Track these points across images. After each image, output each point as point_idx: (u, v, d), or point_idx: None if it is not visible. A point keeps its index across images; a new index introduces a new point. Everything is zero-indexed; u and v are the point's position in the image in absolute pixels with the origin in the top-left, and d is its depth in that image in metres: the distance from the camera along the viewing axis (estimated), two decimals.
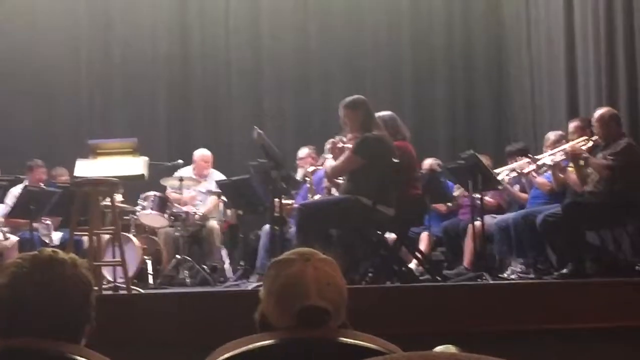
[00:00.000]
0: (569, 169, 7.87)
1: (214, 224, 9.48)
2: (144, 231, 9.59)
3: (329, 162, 7.23)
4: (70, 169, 7.77)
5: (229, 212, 9.79)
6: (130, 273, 7.60)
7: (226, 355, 2.20)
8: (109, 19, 11.44)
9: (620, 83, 8.30)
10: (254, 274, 8.46)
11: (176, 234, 9.41)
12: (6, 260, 5.23)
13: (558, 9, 9.69)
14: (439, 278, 7.46)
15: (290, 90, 11.60)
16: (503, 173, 8.44)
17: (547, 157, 7.94)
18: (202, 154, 10.00)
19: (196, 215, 9.47)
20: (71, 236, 6.99)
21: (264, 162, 7.62)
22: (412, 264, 8.10)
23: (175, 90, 11.46)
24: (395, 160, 7.00)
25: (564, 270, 7.20)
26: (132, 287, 7.07)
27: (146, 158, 7.27)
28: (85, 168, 7.11)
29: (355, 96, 7.28)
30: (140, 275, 8.86)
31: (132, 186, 9.05)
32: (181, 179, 9.27)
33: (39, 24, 11.21)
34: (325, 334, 2.25)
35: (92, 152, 7.27)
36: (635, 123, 8.04)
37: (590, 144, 7.60)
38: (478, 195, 8.02)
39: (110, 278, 7.78)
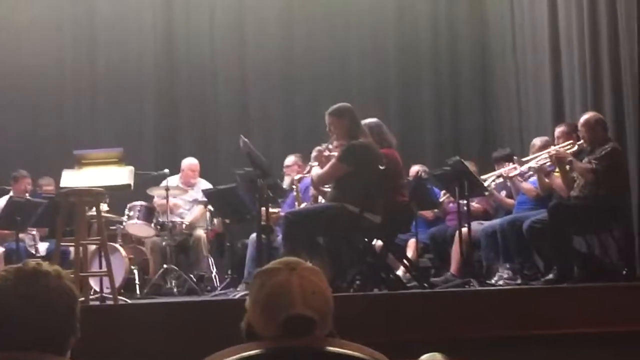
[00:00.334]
0: (555, 173, 7.89)
1: (201, 233, 9.47)
2: (130, 241, 9.59)
3: (315, 170, 7.23)
4: (57, 179, 7.75)
5: (215, 221, 9.77)
6: (117, 283, 7.58)
7: None
8: (93, 28, 11.41)
9: (605, 88, 8.33)
10: (241, 283, 8.44)
11: (163, 243, 9.39)
12: None
13: (542, 14, 9.71)
14: (426, 285, 7.46)
15: (276, 98, 11.59)
16: (490, 179, 8.46)
17: (532, 161, 7.97)
18: (189, 162, 9.99)
19: (183, 225, 9.46)
20: (57, 247, 6.96)
21: (250, 171, 7.61)
22: (400, 271, 8.11)
23: (161, 100, 11.43)
24: (382, 168, 7.00)
25: (551, 276, 7.22)
26: (119, 297, 7.05)
27: (132, 168, 7.25)
28: (71, 178, 7.09)
29: (341, 104, 7.28)
30: (128, 285, 8.86)
31: (119, 196, 9.04)
32: (167, 189, 9.24)
33: (24, 35, 11.17)
34: (311, 343, 2.25)
35: (77, 163, 7.24)
36: (620, 128, 8.06)
37: (576, 148, 7.63)
38: (464, 202, 8.03)
39: (97, 288, 7.78)
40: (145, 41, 11.49)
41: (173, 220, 9.38)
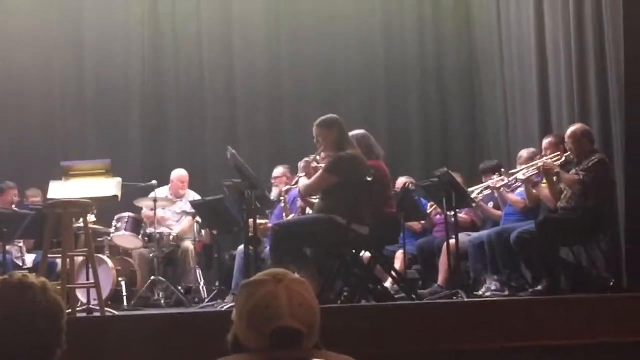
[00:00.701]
0: (542, 185, 7.91)
1: (188, 244, 9.46)
2: (118, 252, 9.58)
3: (303, 180, 7.23)
4: (44, 190, 7.73)
5: (203, 232, 9.76)
6: (105, 295, 7.57)
7: None
8: (82, 40, 11.40)
9: (592, 99, 8.35)
10: (229, 295, 8.42)
11: (151, 255, 9.38)
12: None
13: (529, 26, 9.75)
14: (414, 296, 7.46)
15: (263, 110, 11.59)
16: (477, 191, 8.48)
17: (520, 173, 7.99)
18: (179, 174, 9.99)
19: (171, 236, 9.44)
20: (44, 258, 6.93)
21: (238, 182, 7.61)
22: (388, 283, 8.10)
23: (149, 111, 11.42)
24: (369, 179, 7.00)
25: (539, 287, 7.23)
26: (107, 309, 7.02)
27: (119, 179, 7.24)
28: (59, 190, 7.07)
29: (329, 115, 7.28)
30: (115, 297, 8.83)
31: (107, 208, 9.02)
32: (155, 200, 9.23)
33: (12, 46, 11.15)
34: (298, 355, 2.24)
35: (65, 174, 7.23)
36: (607, 139, 8.09)
37: (563, 159, 7.65)
38: (452, 213, 8.03)
39: (84, 300, 7.75)
40: (133, 54, 11.48)
41: (161, 231, 9.36)
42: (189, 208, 9.52)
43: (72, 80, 11.34)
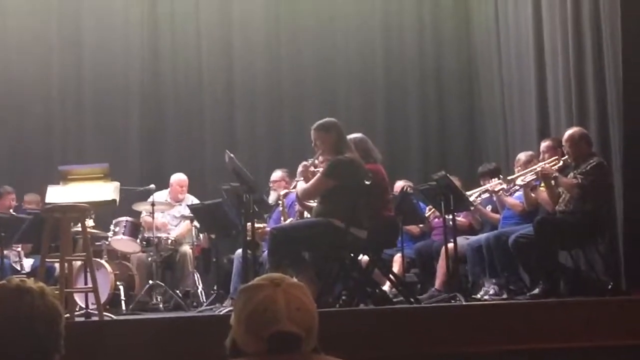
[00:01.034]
0: (541, 188, 7.91)
1: (186, 248, 9.46)
2: (116, 257, 9.57)
3: (301, 184, 7.22)
4: (42, 194, 7.73)
5: (201, 236, 9.76)
6: (103, 299, 7.55)
7: None
8: (80, 43, 11.40)
9: (590, 102, 8.36)
10: (227, 299, 8.41)
11: (149, 259, 9.38)
12: None
13: (527, 30, 9.77)
14: (412, 300, 7.44)
15: (262, 113, 11.60)
16: (475, 194, 8.48)
17: (518, 179, 7.99)
18: (178, 178, 9.99)
19: (169, 240, 9.44)
20: (42, 263, 6.92)
21: (236, 186, 7.60)
22: (386, 286, 8.09)
23: (147, 115, 11.42)
24: (367, 183, 6.99)
25: (537, 291, 7.22)
26: (105, 313, 7.02)
27: (117, 183, 7.23)
28: (57, 194, 7.07)
29: (327, 119, 7.28)
30: (113, 301, 8.82)
31: (105, 212, 9.03)
32: (153, 204, 9.22)
33: (10, 48, 11.16)
34: (296, 359, 2.24)
35: (63, 178, 7.23)
36: (605, 141, 8.09)
37: (561, 163, 7.65)
38: (450, 216, 8.03)
39: (82, 304, 7.74)
40: (132, 57, 11.48)
41: (159, 235, 9.36)
42: (187, 212, 9.52)
43: (70, 83, 11.34)
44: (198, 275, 9.50)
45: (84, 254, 7.12)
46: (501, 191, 8.26)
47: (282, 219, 8.56)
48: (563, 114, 8.88)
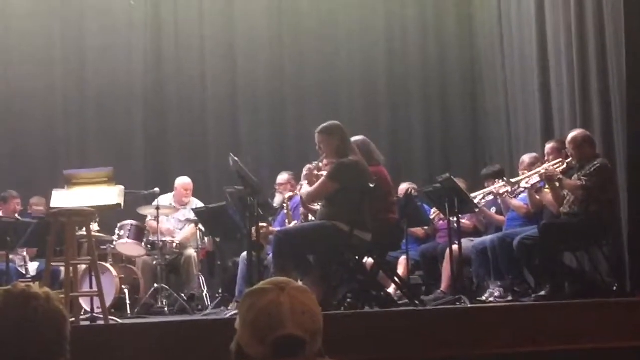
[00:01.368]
0: (545, 190, 7.91)
1: (191, 252, 9.46)
2: (121, 260, 9.58)
3: (305, 188, 7.23)
4: (47, 199, 7.74)
5: (206, 239, 9.76)
6: (108, 303, 7.56)
7: None
8: (84, 48, 11.40)
9: (594, 103, 8.36)
10: (232, 302, 8.41)
11: (154, 262, 9.39)
12: None
13: (531, 31, 9.76)
14: (417, 302, 7.45)
15: (265, 117, 11.60)
16: (480, 196, 8.48)
17: (522, 182, 7.99)
18: (182, 182, 9.99)
19: (174, 244, 9.45)
20: (47, 267, 6.94)
21: (241, 189, 7.60)
22: (391, 289, 8.10)
23: (151, 119, 11.42)
24: (371, 185, 7.00)
25: (542, 292, 7.22)
26: (110, 317, 7.02)
27: (122, 187, 7.24)
28: (61, 198, 7.08)
29: (331, 122, 7.28)
30: (118, 304, 8.83)
31: (109, 216, 9.04)
32: (158, 208, 9.23)
33: (14, 55, 11.17)
34: None
35: (67, 182, 7.24)
36: (609, 143, 8.09)
37: (565, 165, 7.65)
38: (455, 219, 8.02)
39: (87, 308, 7.75)
40: (135, 61, 11.48)
41: (163, 239, 9.37)
42: (192, 216, 9.52)
43: (74, 88, 11.34)
44: (203, 278, 9.50)
45: (89, 257, 7.12)
46: (506, 193, 8.25)
47: (286, 222, 8.56)
48: (567, 116, 8.88)
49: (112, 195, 7.13)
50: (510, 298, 7.74)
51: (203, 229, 9.51)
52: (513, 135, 10.43)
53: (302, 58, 11.74)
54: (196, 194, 10.10)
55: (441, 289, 8.46)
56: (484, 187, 8.76)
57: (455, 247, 7.94)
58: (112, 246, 9.33)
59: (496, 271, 7.94)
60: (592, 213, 7.33)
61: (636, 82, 7.57)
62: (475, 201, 8.27)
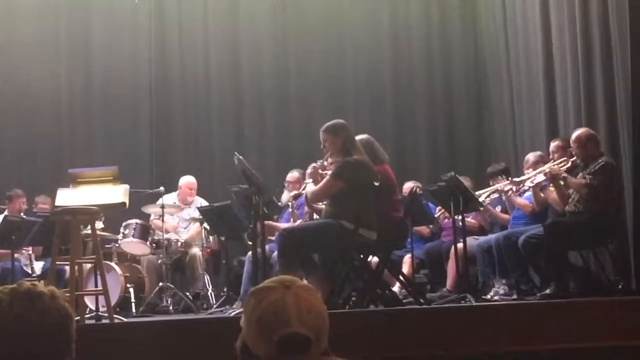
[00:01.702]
0: (550, 188, 7.90)
1: (196, 250, 9.46)
2: (126, 259, 9.58)
3: (310, 187, 7.23)
4: (52, 197, 7.74)
5: (211, 238, 9.76)
6: (113, 302, 7.57)
7: None
8: (89, 46, 11.41)
9: (599, 102, 8.35)
10: (238, 300, 8.41)
11: (159, 261, 9.40)
12: None
13: (536, 30, 9.75)
14: (422, 301, 7.45)
15: (270, 116, 11.61)
16: (485, 194, 8.47)
17: (527, 181, 7.98)
18: (187, 180, 10.00)
19: (178, 242, 9.45)
20: (53, 266, 6.94)
21: (245, 188, 7.60)
22: (396, 287, 8.10)
23: (156, 118, 11.42)
24: (376, 184, 7.00)
25: (547, 291, 7.22)
26: (115, 315, 7.03)
27: (127, 186, 7.23)
28: (66, 197, 7.07)
29: (336, 121, 7.28)
30: (123, 303, 8.84)
31: (114, 214, 9.05)
32: (162, 206, 9.23)
33: (19, 53, 11.17)
34: None
35: (72, 181, 7.24)
36: (614, 142, 8.08)
37: (569, 164, 7.64)
38: (460, 217, 8.02)
39: (92, 307, 7.75)
40: (140, 60, 11.50)
41: (168, 238, 9.37)
42: (197, 214, 9.53)
43: (79, 86, 11.36)
44: (208, 277, 9.50)
45: (94, 256, 7.13)
46: (510, 191, 8.25)
47: (291, 220, 8.56)
48: (572, 114, 8.87)
49: (117, 194, 7.13)
50: (515, 296, 7.75)
51: (208, 227, 9.51)
52: (518, 133, 10.43)
53: (307, 56, 11.74)
54: (201, 192, 10.11)
55: (446, 287, 8.47)
56: (489, 186, 8.76)
57: (460, 245, 7.94)
58: (117, 245, 9.34)
59: (501, 269, 7.94)
60: (597, 211, 7.32)
61: None
62: (480, 199, 8.27)
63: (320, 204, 7.35)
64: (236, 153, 7.49)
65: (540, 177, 7.83)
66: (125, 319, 7.41)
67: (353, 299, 7.33)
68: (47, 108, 11.20)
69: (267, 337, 2.22)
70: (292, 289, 2.27)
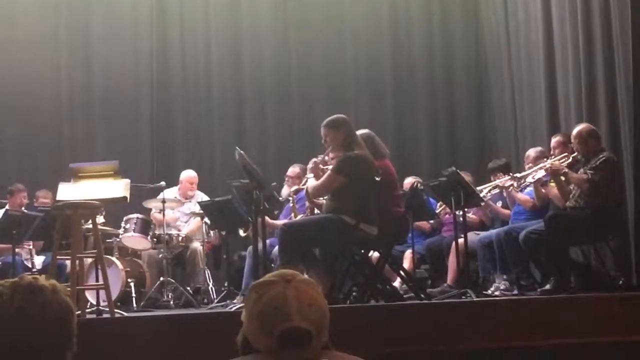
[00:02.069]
0: (551, 184, 7.90)
1: (197, 245, 9.47)
2: (127, 254, 9.59)
3: (311, 181, 7.22)
4: (53, 192, 7.75)
5: (212, 233, 9.76)
6: (114, 296, 7.58)
7: None
8: (90, 42, 11.42)
9: (600, 98, 8.34)
10: (239, 295, 8.42)
11: (159, 256, 9.40)
12: None
13: (537, 26, 9.74)
14: (423, 296, 7.46)
15: (271, 110, 11.61)
16: (486, 190, 8.47)
17: (528, 177, 7.97)
18: (188, 175, 10.01)
19: (179, 237, 9.46)
20: (53, 260, 6.95)
21: (246, 183, 7.60)
22: (396, 282, 8.10)
23: (157, 112, 11.43)
24: (377, 179, 7.00)
25: (548, 286, 7.22)
26: (116, 310, 7.04)
27: (128, 180, 7.25)
28: (68, 191, 7.08)
29: (337, 115, 7.27)
30: (124, 298, 8.85)
31: (115, 209, 9.05)
32: (163, 201, 9.24)
33: (19, 49, 11.18)
34: (307, 356, 2.24)
35: (73, 176, 7.24)
36: (615, 136, 8.07)
37: (570, 159, 7.63)
38: (460, 212, 8.03)
39: (93, 301, 7.76)
40: (141, 54, 11.51)
41: (169, 232, 9.38)
42: (197, 209, 9.53)
43: (80, 81, 11.37)
44: (209, 272, 9.50)
45: (95, 251, 7.14)
46: (511, 187, 8.25)
47: (292, 215, 8.56)
48: (573, 110, 8.86)
49: (118, 188, 7.14)
50: (516, 292, 7.75)
51: (209, 222, 9.51)
52: (519, 129, 10.42)
53: (307, 51, 11.74)
54: (201, 187, 10.11)
55: (447, 282, 8.48)
56: (490, 181, 8.76)
57: (461, 240, 7.95)
58: (118, 239, 9.35)
59: (502, 265, 7.94)
60: (598, 207, 7.32)
61: None
62: (481, 195, 8.26)
63: (321, 198, 7.34)
64: (237, 148, 7.49)
65: (541, 173, 7.82)
66: (126, 314, 7.43)
67: (354, 293, 7.34)
68: (48, 103, 11.21)
69: (268, 331, 2.22)
70: (293, 283, 2.27)
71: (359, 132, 7.46)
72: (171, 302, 8.85)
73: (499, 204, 8.85)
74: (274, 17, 11.78)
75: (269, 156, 11.18)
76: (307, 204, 8.09)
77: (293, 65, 11.73)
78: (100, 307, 7.38)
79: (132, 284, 9.02)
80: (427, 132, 11.73)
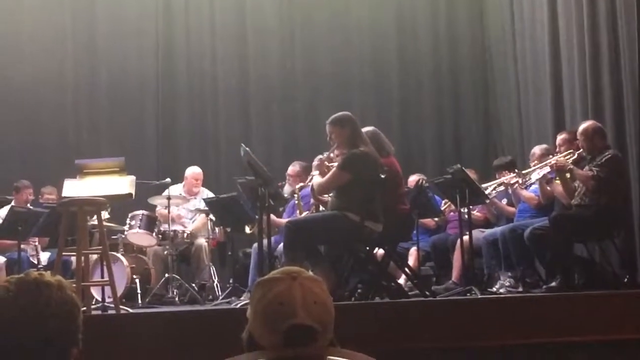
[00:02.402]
0: (556, 181, 7.89)
1: (202, 241, 9.47)
2: (132, 250, 9.60)
3: (316, 179, 7.22)
4: (59, 188, 7.76)
5: (217, 229, 9.77)
6: (119, 292, 7.58)
7: None
8: (95, 38, 11.43)
9: (605, 96, 8.33)
10: (245, 292, 8.42)
11: (165, 252, 9.40)
12: None
13: (543, 24, 9.73)
14: (428, 293, 7.45)
15: (277, 108, 11.62)
16: (491, 187, 8.47)
17: (533, 174, 7.97)
18: (193, 171, 10.00)
19: (184, 234, 9.46)
20: (59, 256, 6.95)
21: (252, 180, 7.61)
22: (401, 280, 8.10)
23: (163, 109, 11.44)
24: (382, 176, 6.99)
25: (553, 284, 7.21)
26: (121, 306, 7.04)
27: (133, 177, 7.25)
28: (73, 188, 7.08)
29: (342, 113, 7.27)
30: (129, 294, 8.85)
31: (121, 205, 9.06)
32: (169, 198, 9.25)
33: (25, 46, 11.19)
34: (313, 353, 2.24)
35: (79, 172, 7.25)
36: (620, 134, 8.07)
37: (576, 156, 7.62)
38: (466, 210, 8.03)
39: (98, 298, 7.77)
40: (146, 51, 11.52)
41: (174, 229, 9.38)
42: (202, 206, 9.53)
43: (86, 77, 11.38)
44: (214, 268, 9.52)
45: (100, 247, 7.14)
46: (517, 184, 8.24)
47: (297, 212, 8.57)
48: (578, 107, 8.85)
49: (123, 185, 7.14)
50: (520, 289, 7.75)
51: (214, 218, 9.52)
52: (524, 126, 10.41)
53: (313, 49, 11.74)
54: (207, 184, 10.11)
55: (452, 279, 8.47)
56: (495, 178, 8.76)
57: (465, 238, 7.94)
58: (123, 236, 9.36)
59: (507, 262, 7.94)
60: (603, 204, 7.31)
61: None
62: (486, 192, 8.26)
63: (327, 195, 7.34)
64: (242, 145, 7.49)
65: (547, 170, 7.81)
66: (131, 310, 7.42)
67: (359, 290, 7.33)
68: (54, 99, 11.22)
69: (273, 327, 2.22)
70: (298, 280, 2.27)
71: (364, 129, 7.46)
72: (176, 299, 8.86)
73: (504, 201, 8.85)
74: (279, 14, 11.79)
75: (275, 153, 11.18)
76: (312, 201, 8.09)
77: (298, 62, 11.73)
78: (105, 304, 7.38)
79: (137, 281, 9.02)
80: (432, 130, 11.72)
